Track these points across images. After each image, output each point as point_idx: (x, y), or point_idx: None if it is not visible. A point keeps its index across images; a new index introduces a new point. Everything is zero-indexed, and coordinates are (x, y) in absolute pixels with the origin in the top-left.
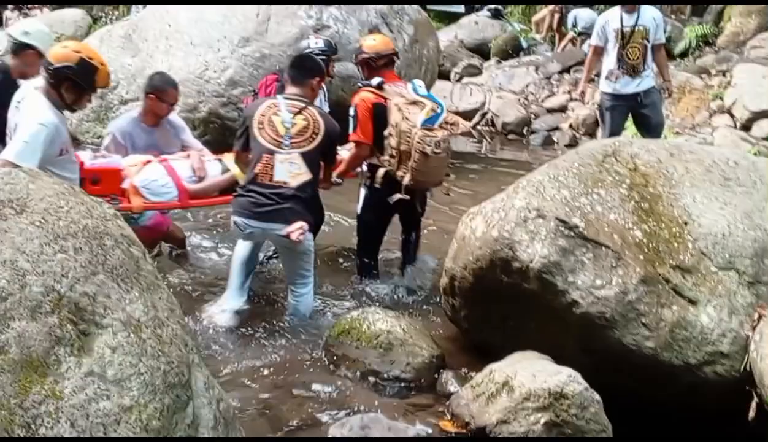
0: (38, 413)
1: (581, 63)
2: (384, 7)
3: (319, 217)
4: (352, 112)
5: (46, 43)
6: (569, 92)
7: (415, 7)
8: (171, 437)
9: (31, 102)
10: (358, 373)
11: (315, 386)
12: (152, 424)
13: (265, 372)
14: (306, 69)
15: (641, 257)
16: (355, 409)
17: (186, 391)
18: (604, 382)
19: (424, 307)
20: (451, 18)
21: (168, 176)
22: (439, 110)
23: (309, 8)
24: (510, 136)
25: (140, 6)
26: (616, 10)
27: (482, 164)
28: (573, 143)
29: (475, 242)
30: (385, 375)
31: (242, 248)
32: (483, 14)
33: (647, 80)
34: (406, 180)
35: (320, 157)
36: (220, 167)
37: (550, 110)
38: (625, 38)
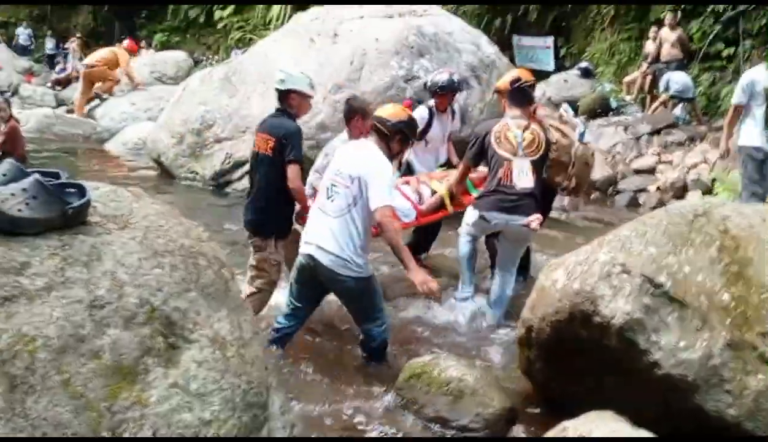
0: (124, 418)
1: (672, 125)
2: (475, 61)
3: None
4: None
5: (302, 84)
6: (658, 154)
7: (506, 61)
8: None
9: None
10: (426, 418)
11: (382, 428)
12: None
13: (335, 407)
14: (525, 96)
15: (728, 322)
16: None
17: (263, 412)
18: None
19: (499, 357)
20: (541, 76)
21: (407, 201)
22: None
23: (401, 59)
24: (594, 195)
25: (239, 51)
26: (761, 68)
27: (564, 221)
28: (659, 206)
29: (555, 293)
30: (453, 424)
31: (466, 247)
32: (573, 72)
33: None
34: None
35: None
36: (429, 190)
37: (637, 171)
38: None
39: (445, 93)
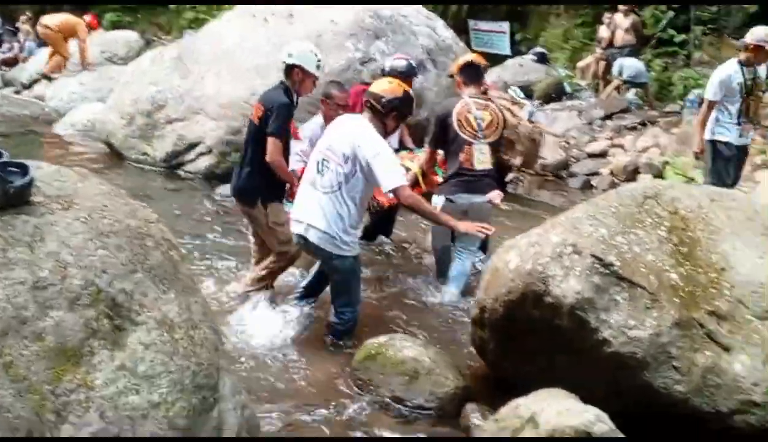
0: (69, 401)
1: (624, 110)
2: (431, 44)
3: None
4: None
5: (310, 62)
6: (611, 138)
7: (462, 45)
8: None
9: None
10: (382, 399)
11: (337, 409)
12: (178, 422)
13: (289, 389)
14: (478, 73)
15: (676, 300)
16: (375, 435)
17: (213, 393)
18: (632, 423)
19: (454, 337)
20: (497, 60)
21: None
22: None
23: (357, 41)
24: (548, 178)
25: (192, 31)
26: (733, 64)
27: (518, 203)
28: (611, 189)
29: (508, 274)
30: (409, 403)
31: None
32: (528, 57)
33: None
34: None
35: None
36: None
37: (590, 155)
38: (747, 92)
39: (404, 79)
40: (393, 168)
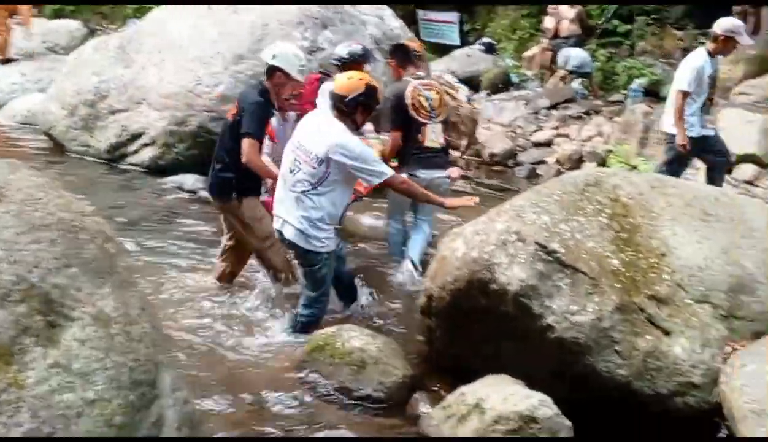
0: None
1: (570, 100)
2: (379, 34)
3: None
4: None
5: (292, 65)
6: (556, 128)
7: (411, 35)
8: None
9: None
10: (330, 390)
11: (285, 401)
12: (115, 420)
13: (236, 383)
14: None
15: (618, 286)
16: (324, 426)
17: (152, 389)
18: (576, 408)
19: (403, 326)
20: (445, 50)
21: None
22: None
23: (305, 30)
24: (496, 167)
25: (137, 20)
26: (704, 54)
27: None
28: (556, 175)
29: (454, 262)
30: (356, 393)
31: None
32: (476, 48)
33: None
34: None
35: None
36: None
37: (536, 144)
38: (713, 84)
39: (359, 64)
40: (376, 164)
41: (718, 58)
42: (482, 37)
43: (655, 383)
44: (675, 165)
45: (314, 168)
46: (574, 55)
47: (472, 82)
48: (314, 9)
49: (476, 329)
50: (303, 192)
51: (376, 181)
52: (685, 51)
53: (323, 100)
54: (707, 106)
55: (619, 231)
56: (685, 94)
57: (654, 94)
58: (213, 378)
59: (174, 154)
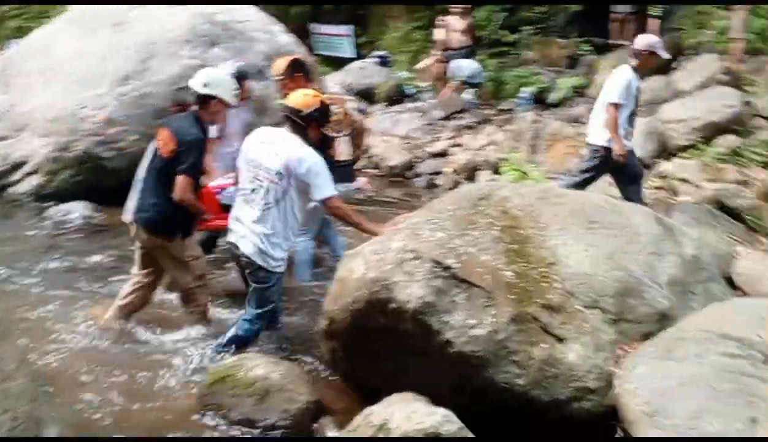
0: None
1: (463, 110)
2: (270, 50)
3: None
4: None
5: (227, 91)
6: (452, 138)
7: (303, 50)
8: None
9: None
10: (234, 422)
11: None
12: None
13: (136, 426)
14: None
15: (512, 297)
16: None
17: None
18: (479, 420)
19: (306, 351)
20: (340, 64)
21: None
22: None
23: (193, 48)
24: (394, 179)
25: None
26: (629, 70)
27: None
28: (455, 186)
29: (353, 283)
30: (260, 424)
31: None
32: (370, 60)
33: None
34: None
35: None
36: None
37: (433, 155)
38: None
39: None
40: (327, 179)
41: (639, 73)
42: (376, 50)
43: (552, 390)
44: (593, 173)
45: (276, 183)
46: (465, 66)
47: (368, 95)
48: (202, 27)
49: (378, 349)
50: (266, 209)
51: (320, 194)
52: (570, 58)
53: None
54: (633, 119)
55: (511, 243)
56: (617, 107)
57: (541, 101)
58: (108, 424)
59: (59, 181)
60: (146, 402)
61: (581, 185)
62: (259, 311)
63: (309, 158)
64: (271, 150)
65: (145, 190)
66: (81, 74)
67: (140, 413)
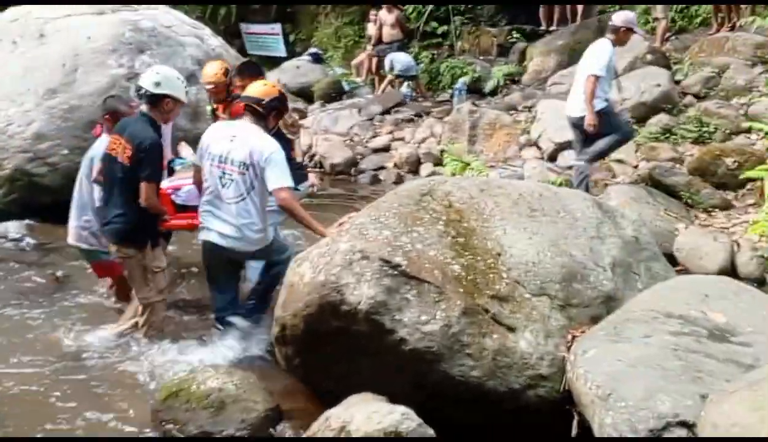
0: None
1: (400, 104)
2: (200, 54)
3: None
4: None
5: (179, 89)
6: (392, 132)
7: (233, 53)
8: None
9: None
10: (190, 437)
11: None
12: None
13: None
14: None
15: (461, 290)
16: None
17: None
18: (438, 415)
19: (260, 358)
20: (273, 63)
21: None
22: None
23: (120, 56)
24: (339, 177)
25: None
26: (608, 43)
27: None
28: (398, 181)
29: (303, 288)
30: (219, 435)
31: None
32: (304, 58)
33: None
34: None
35: None
36: None
37: (375, 150)
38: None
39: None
40: (284, 170)
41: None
42: (309, 48)
43: (506, 379)
44: (588, 143)
45: (244, 174)
46: (398, 60)
47: (305, 94)
48: (127, 34)
49: (333, 351)
50: (238, 201)
51: (275, 184)
52: (500, 47)
53: None
54: (617, 88)
55: (456, 236)
56: (597, 79)
57: (477, 91)
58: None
59: None
60: (101, 416)
61: (600, 155)
62: (276, 259)
63: (270, 147)
64: (235, 142)
65: (107, 202)
66: (4, 91)
67: (95, 429)
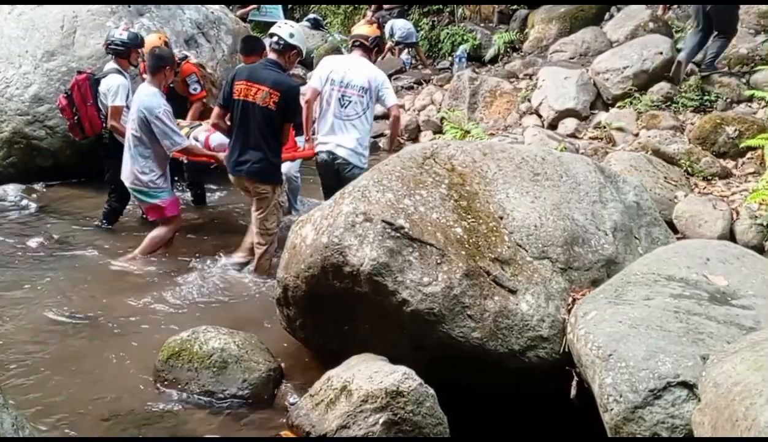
0: None
1: (400, 71)
2: (200, 18)
3: None
4: None
5: (304, 43)
6: None
7: (232, 17)
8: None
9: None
10: (193, 395)
11: (145, 416)
12: None
13: (89, 404)
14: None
15: (463, 253)
16: (190, 433)
17: None
18: (438, 376)
19: (262, 319)
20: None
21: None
22: None
23: (119, 19)
24: None
25: None
26: None
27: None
28: (398, 148)
29: (305, 249)
30: (221, 395)
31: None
32: (303, 24)
33: None
34: None
35: None
36: None
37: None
38: None
39: (133, 49)
40: (392, 91)
41: None
42: (308, 14)
43: (507, 341)
44: None
45: (362, 97)
46: (398, 27)
47: (303, 61)
48: None
49: (336, 312)
50: (357, 117)
51: (390, 101)
52: (501, 14)
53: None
54: None
55: (459, 199)
56: None
57: (477, 58)
58: (64, 400)
59: None
60: (98, 374)
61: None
62: None
63: (381, 75)
64: (353, 71)
65: (244, 145)
66: (3, 52)
67: (92, 386)
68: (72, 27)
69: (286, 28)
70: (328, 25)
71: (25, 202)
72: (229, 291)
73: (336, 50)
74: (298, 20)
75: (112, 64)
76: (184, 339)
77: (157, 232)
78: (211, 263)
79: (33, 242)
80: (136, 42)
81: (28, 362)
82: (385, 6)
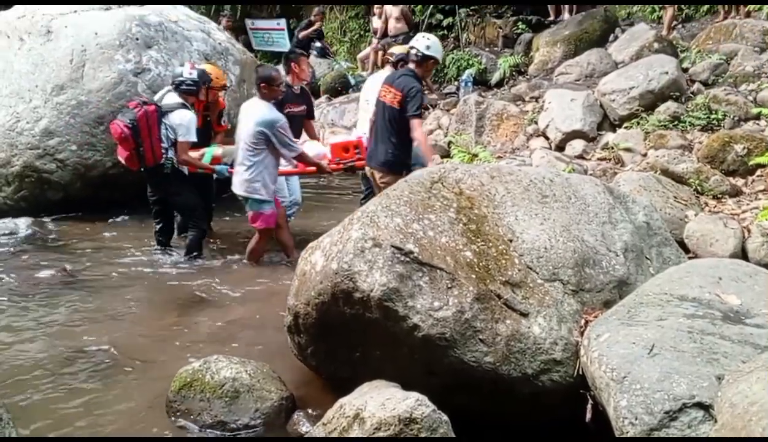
0: None
1: None
2: (207, 49)
3: None
4: None
5: (441, 53)
6: None
7: (239, 47)
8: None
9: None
10: (206, 426)
11: None
12: None
13: (101, 430)
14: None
15: (473, 276)
16: None
17: None
18: (451, 402)
19: (273, 348)
20: (279, 58)
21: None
22: None
23: (127, 52)
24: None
25: None
26: None
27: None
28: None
29: (315, 276)
30: (234, 425)
31: None
32: (310, 53)
33: None
34: None
35: None
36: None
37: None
38: None
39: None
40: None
41: None
42: (314, 42)
43: (520, 365)
44: None
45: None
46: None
47: (310, 88)
48: (134, 29)
49: (347, 339)
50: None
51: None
52: (506, 38)
53: None
54: None
55: (468, 223)
56: None
57: (483, 82)
58: (72, 431)
59: (2, 198)
60: (110, 402)
61: None
62: None
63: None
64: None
65: (379, 141)
66: (12, 88)
67: (104, 413)
68: (81, 61)
69: (422, 42)
70: (336, 53)
71: (37, 234)
72: (240, 321)
73: (342, 78)
74: (304, 47)
75: (174, 98)
76: (196, 369)
77: (253, 242)
78: (222, 293)
79: (46, 274)
80: (205, 79)
81: (38, 392)
82: (390, 33)
